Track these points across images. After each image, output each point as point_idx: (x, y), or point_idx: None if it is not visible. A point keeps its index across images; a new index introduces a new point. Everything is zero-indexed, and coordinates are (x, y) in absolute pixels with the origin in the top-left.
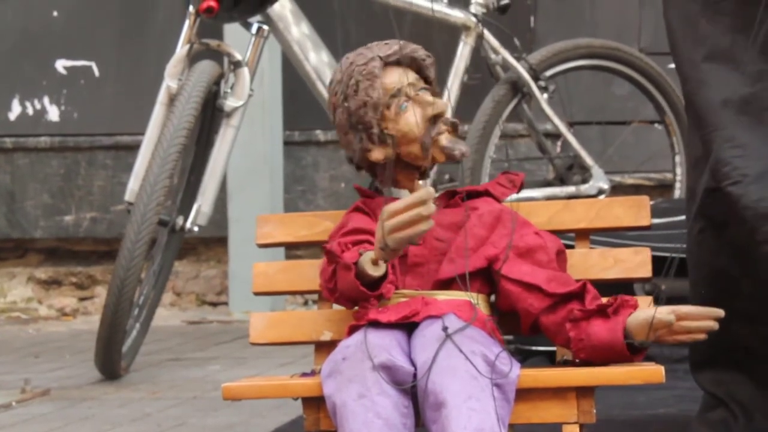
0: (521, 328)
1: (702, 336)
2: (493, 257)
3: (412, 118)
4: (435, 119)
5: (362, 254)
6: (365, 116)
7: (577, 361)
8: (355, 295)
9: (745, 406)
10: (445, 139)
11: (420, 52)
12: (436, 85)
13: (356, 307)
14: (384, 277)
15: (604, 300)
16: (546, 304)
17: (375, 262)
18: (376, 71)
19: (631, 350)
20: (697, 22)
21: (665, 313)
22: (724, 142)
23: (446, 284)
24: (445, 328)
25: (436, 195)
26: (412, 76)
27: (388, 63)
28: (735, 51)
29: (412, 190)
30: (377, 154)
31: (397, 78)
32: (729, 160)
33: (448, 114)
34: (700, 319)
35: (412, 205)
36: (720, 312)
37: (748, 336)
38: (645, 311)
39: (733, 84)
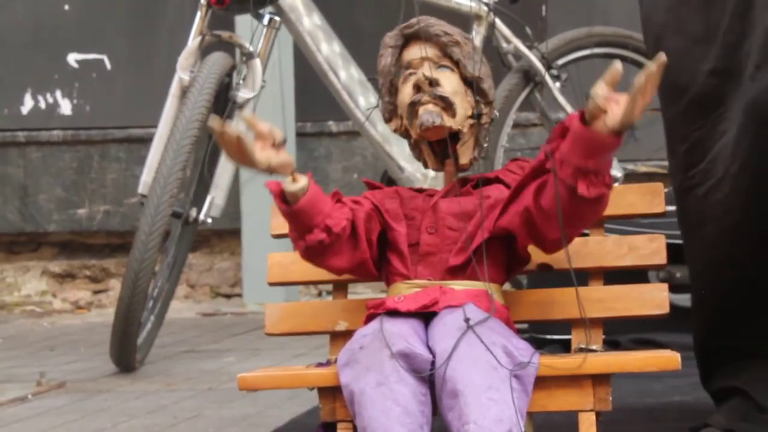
0: (550, 236)
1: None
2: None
3: (404, 90)
4: (417, 89)
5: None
6: (381, 85)
7: (594, 348)
8: (288, 220)
9: (756, 387)
10: (422, 109)
11: (437, 28)
12: (464, 66)
13: (307, 240)
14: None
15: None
16: (533, 189)
17: (294, 179)
18: (389, 41)
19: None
20: None
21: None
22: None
23: (457, 271)
24: (467, 319)
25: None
26: (431, 52)
27: (411, 37)
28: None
29: (441, 171)
30: (393, 125)
31: (414, 52)
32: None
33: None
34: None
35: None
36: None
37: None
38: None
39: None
